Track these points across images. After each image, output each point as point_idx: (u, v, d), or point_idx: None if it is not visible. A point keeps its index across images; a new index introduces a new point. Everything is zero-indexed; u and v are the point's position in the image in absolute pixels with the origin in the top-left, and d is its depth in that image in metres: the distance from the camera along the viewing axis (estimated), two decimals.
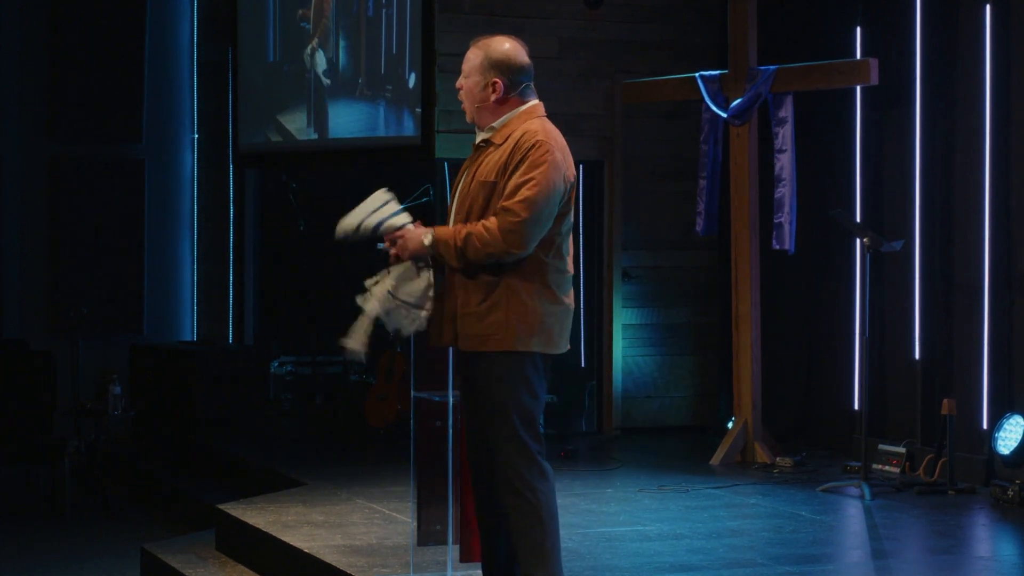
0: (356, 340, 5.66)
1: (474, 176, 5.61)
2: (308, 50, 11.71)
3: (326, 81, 11.57)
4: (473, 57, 5.65)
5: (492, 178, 5.54)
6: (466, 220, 5.58)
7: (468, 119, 5.72)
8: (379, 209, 5.66)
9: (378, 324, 5.70)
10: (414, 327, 5.67)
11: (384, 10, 11.09)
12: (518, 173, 5.46)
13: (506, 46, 5.65)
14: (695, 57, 10.80)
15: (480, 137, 5.69)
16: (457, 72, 5.77)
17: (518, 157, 5.49)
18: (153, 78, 13.53)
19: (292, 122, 11.95)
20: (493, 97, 5.61)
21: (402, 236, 5.58)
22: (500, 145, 5.58)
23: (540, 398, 5.61)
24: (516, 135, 5.55)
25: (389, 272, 5.67)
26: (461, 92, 5.70)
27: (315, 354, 12.11)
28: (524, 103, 5.64)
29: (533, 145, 5.49)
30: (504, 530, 5.67)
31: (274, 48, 12.22)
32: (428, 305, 5.64)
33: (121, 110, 13.41)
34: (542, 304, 5.53)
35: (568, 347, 5.66)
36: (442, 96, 10.43)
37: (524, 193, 5.43)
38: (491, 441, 5.58)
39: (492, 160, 5.58)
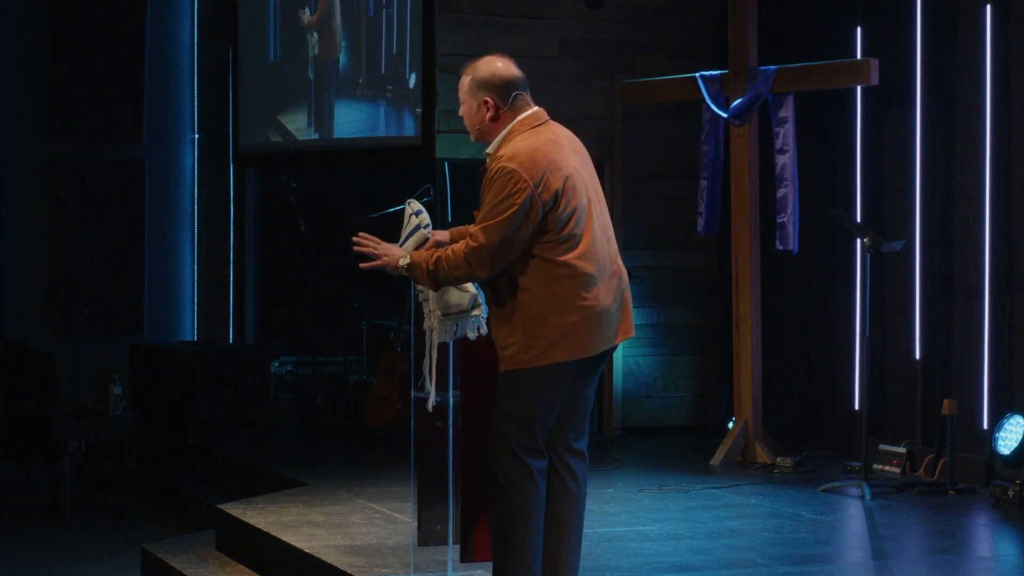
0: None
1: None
2: (311, 42, 11.73)
3: (326, 80, 11.58)
4: (463, 83, 5.75)
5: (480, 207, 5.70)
6: None
7: (473, 139, 5.81)
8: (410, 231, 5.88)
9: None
10: (435, 329, 5.89)
11: (384, 10, 11.09)
12: (485, 200, 5.58)
13: (491, 63, 5.73)
14: (695, 57, 10.80)
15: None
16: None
17: (485, 185, 5.61)
18: (153, 78, 13.52)
19: (292, 122, 11.95)
20: (488, 115, 5.69)
21: (385, 253, 5.73)
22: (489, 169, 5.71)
23: (551, 402, 5.68)
24: (495, 163, 5.63)
25: None
26: (465, 119, 5.79)
27: (315, 354, 12.10)
28: (516, 116, 5.69)
29: (496, 172, 5.57)
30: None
31: (274, 48, 12.22)
32: (437, 310, 5.83)
33: (121, 110, 13.40)
34: (558, 315, 5.57)
35: (606, 344, 5.68)
36: (442, 96, 10.43)
37: (485, 221, 5.54)
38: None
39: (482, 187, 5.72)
